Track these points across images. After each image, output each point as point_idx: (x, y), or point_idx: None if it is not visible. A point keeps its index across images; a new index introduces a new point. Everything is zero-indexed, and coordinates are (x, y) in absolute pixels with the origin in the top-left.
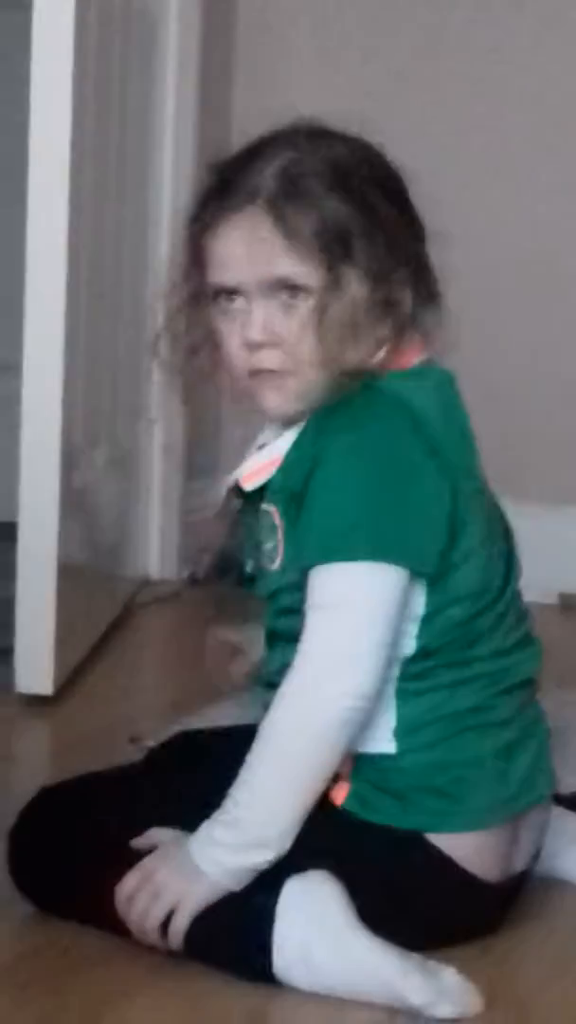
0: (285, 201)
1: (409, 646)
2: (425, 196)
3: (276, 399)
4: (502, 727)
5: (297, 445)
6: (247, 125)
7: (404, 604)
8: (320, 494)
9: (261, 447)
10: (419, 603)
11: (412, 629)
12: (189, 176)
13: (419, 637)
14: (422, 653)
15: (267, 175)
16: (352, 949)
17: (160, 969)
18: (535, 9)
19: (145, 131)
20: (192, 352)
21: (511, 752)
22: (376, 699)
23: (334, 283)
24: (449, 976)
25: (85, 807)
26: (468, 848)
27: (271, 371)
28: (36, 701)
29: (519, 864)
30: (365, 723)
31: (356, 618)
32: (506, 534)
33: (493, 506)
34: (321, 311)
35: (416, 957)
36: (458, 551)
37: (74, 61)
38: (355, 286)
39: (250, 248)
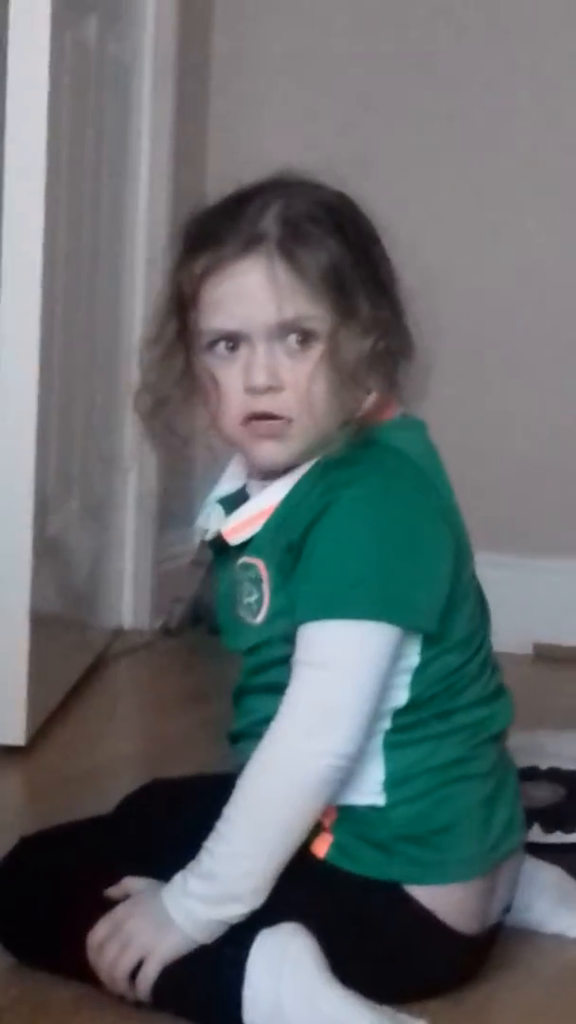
0: (294, 244)
1: (401, 697)
2: (400, 241)
3: (272, 448)
4: (484, 778)
5: (293, 496)
6: (222, 171)
7: (395, 659)
8: (324, 547)
9: (225, 499)
10: (413, 653)
11: (404, 680)
12: (164, 223)
13: (411, 687)
14: (412, 704)
15: (268, 219)
16: (323, 1002)
17: (131, 1020)
18: (518, 41)
19: (120, 178)
20: (174, 401)
21: (492, 803)
22: (358, 758)
23: (342, 327)
24: None
25: (63, 857)
26: (448, 901)
27: (270, 418)
28: (8, 751)
29: (494, 915)
30: (345, 781)
31: (348, 678)
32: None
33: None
34: (332, 356)
35: (388, 1010)
36: (453, 599)
37: (48, 107)
38: (359, 333)
39: (262, 291)
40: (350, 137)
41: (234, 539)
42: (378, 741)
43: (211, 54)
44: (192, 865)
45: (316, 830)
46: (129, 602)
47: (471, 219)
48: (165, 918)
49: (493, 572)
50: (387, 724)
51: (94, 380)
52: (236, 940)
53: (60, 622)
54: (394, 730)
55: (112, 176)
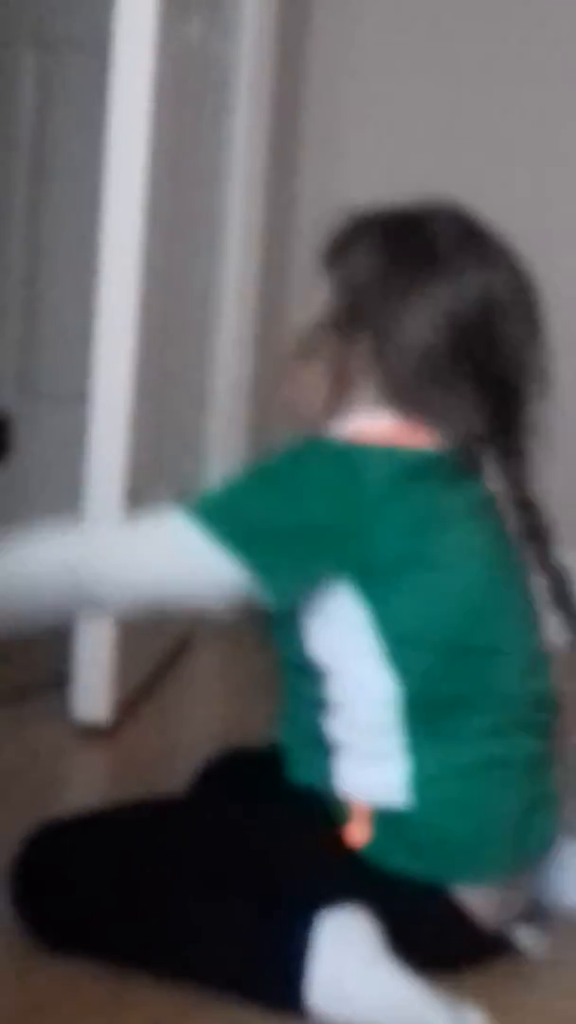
0: None
1: (391, 688)
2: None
3: None
4: (518, 780)
5: None
6: (315, 171)
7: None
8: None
9: None
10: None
11: (387, 669)
12: (257, 225)
13: (403, 679)
14: (418, 702)
15: None
16: (384, 981)
17: (170, 1008)
18: None
19: (216, 178)
20: None
21: (528, 806)
22: None
23: None
24: (474, 1018)
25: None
26: (476, 896)
27: None
28: (93, 730)
29: (517, 911)
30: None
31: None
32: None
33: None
34: None
35: (443, 995)
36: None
37: (152, 107)
38: None
39: None
40: (447, 138)
41: None
42: (398, 739)
43: (309, 55)
44: None
45: (344, 821)
46: None
47: (565, 218)
48: None
49: None
50: (402, 721)
51: (185, 380)
52: (299, 922)
53: None
54: (413, 728)
55: (209, 176)
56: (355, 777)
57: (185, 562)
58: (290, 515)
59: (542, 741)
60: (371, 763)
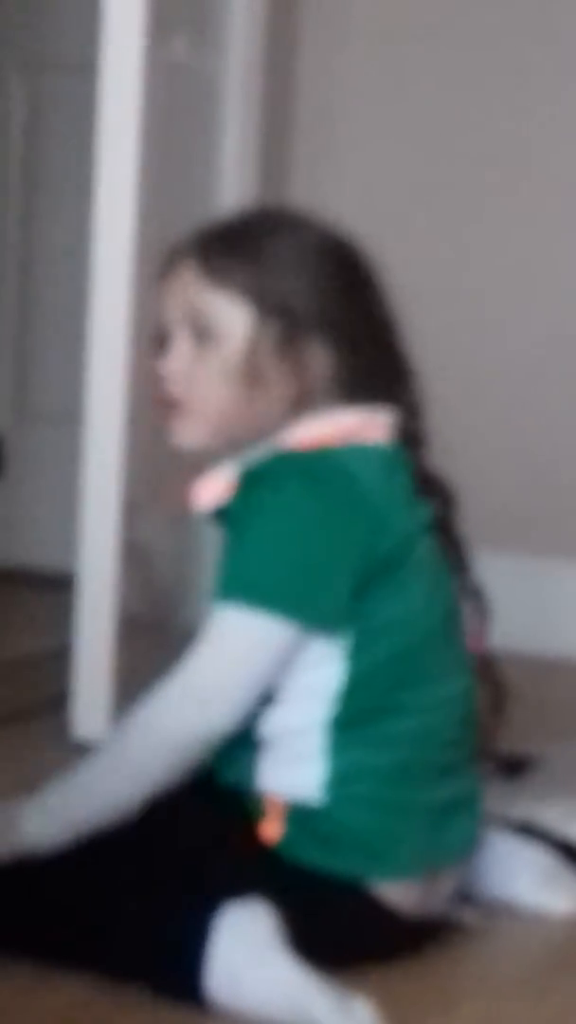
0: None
1: (330, 708)
2: (475, 281)
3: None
4: (434, 783)
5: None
6: (306, 187)
7: (285, 655)
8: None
9: None
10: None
11: (332, 695)
12: None
13: (345, 699)
14: (346, 716)
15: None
16: (275, 970)
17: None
18: None
19: (206, 195)
20: None
21: (445, 808)
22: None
23: None
24: (362, 1008)
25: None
26: (393, 890)
27: None
28: (92, 749)
29: (439, 902)
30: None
31: (231, 658)
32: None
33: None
34: None
35: (334, 986)
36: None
37: (140, 126)
38: None
39: None
40: (442, 149)
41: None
42: (318, 739)
43: (298, 69)
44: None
45: (261, 816)
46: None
47: (539, 243)
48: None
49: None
50: (324, 723)
51: None
52: (201, 910)
53: (145, 621)
54: (332, 730)
55: (199, 192)
56: (273, 775)
57: (260, 647)
58: (312, 553)
59: (460, 745)
60: (291, 764)
